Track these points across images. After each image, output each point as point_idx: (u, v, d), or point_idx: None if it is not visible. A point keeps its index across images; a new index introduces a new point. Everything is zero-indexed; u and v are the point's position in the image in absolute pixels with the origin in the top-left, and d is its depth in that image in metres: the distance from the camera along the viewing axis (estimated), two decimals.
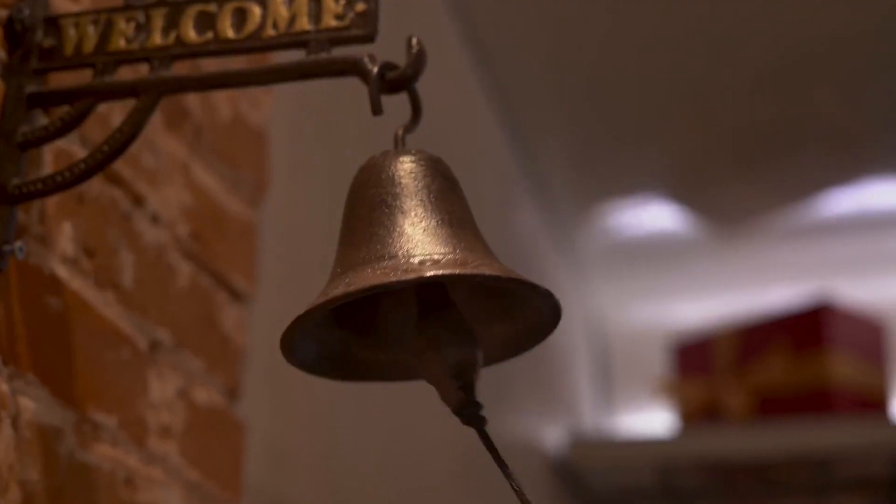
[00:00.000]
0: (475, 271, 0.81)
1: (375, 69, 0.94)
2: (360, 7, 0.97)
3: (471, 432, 2.38)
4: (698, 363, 3.37)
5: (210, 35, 0.99)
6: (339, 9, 0.98)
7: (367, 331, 0.95)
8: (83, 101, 0.99)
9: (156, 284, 1.23)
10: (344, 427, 1.71)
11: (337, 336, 0.94)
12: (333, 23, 0.97)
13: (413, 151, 0.92)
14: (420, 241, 0.84)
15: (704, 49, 2.75)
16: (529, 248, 3.20)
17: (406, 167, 0.90)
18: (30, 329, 1.01)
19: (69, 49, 1.02)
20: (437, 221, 0.86)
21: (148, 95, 0.98)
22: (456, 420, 2.30)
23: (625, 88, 2.89)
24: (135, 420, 1.17)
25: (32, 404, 1.01)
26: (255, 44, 0.99)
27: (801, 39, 2.72)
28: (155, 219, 1.23)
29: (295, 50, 0.98)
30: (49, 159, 1.06)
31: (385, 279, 0.80)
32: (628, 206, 3.39)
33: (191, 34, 1.00)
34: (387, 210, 0.87)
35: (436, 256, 0.82)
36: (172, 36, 1.00)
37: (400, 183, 0.89)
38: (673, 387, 3.39)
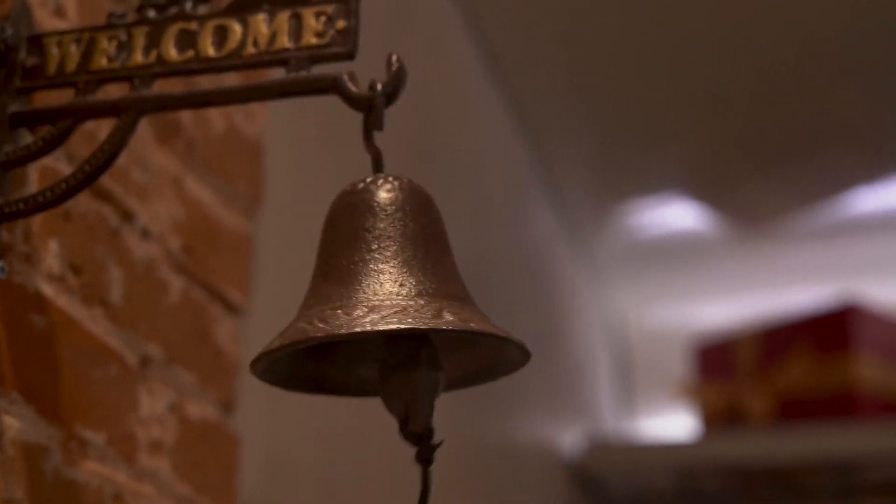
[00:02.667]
0: (437, 325, 0.80)
1: (379, 87, 0.93)
2: (341, 24, 0.97)
3: (476, 442, 2.39)
4: (720, 366, 3.35)
5: (191, 53, 0.99)
6: (320, 26, 0.97)
7: (337, 349, 0.95)
8: (65, 121, 0.99)
9: (146, 299, 1.23)
10: (341, 439, 1.71)
11: (309, 356, 0.93)
12: (314, 40, 0.97)
13: (391, 180, 0.90)
14: (390, 283, 0.83)
15: (724, 47, 2.73)
16: (546, 251, 3.19)
17: (383, 197, 0.89)
18: (14, 348, 1.01)
19: (52, 68, 1.02)
20: (411, 259, 0.85)
21: (129, 114, 0.98)
22: (455, 431, 2.31)
23: (642, 87, 2.88)
24: (124, 436, 1.17)
25: (17, 423, 1.01)
26: (235, 62, 0.99)
27: (823, 37, 2.70)
28: (145, 233, 1.23)
29: (276, 67, 0.98)
30: (35, 178, 1.06)
31: (350, 328, 0.80)
32: (648, 206, 3.37)
33: (172, 52, 1.00)
34: (361, 245, 0.86)
35: (402, 304, 0.81)
36: (154, 54, 1.00)
37: (376, 215, 0.88)
38: (694, 390, 3.37)
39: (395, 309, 0.80)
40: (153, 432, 1.22)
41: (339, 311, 0.82)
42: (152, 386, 1.23)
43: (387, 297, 0.82)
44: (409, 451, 2.09)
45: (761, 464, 3.17)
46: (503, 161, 2.88)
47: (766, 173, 3.21)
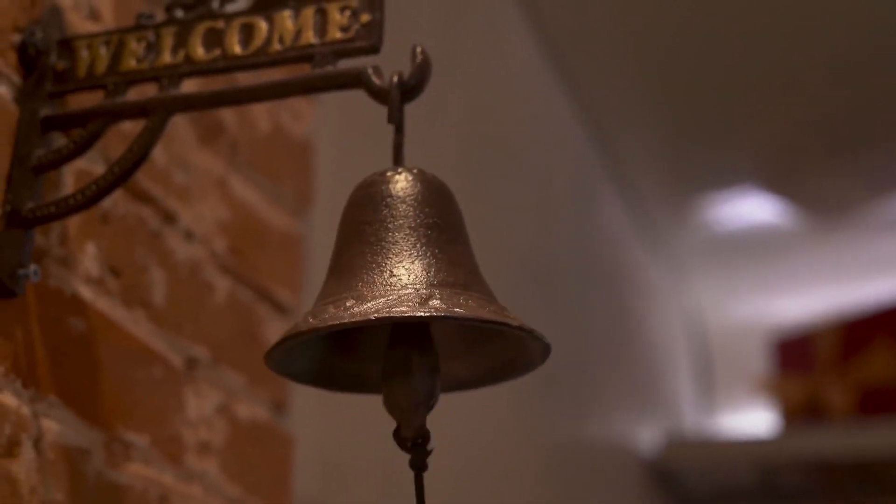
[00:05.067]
0: (446, 313, 0.79)
1: (395, 80, 0.92)
2: (365, 18, 0.96)
3: (553, 440, 2.37)
4: (799, 359, 3.31)
5: (218, 52, 0.99)
6: (345, 21, 0.97)
7: (352, 345, 0.94)
8: (95, 123, 0.99)
9: (190, 301, 1.23)
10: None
11: (324, 349, 0.93)
12: (338, 35, 0.96)
13: (409, 172, 0.89)
14: (385, 275, 0.82)
15: (795, 33, 2.69)
16: (619, 248, 3.17)
17: (400, 189, 0.88)
18: (51, 351, 1.02)
19: (82, 71, 1.02)
20: (411, 249, 0.84)
21: (157, 115, 0.98)
22: (533, 430, 2.30)
23: (712, 77, 2.85)
24: (169, 438, 1.17)
25: (56, 426, 1.01)
26: (261, 59, 0.98)
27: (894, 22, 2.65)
28: (189, 235, 1.23)
29: (302, 63, 0.97)
30: (70, 181, 1.06)
31: (363, 317, 0.78)
32: (723, 200, 3.33)
33: (199, 52, 1.00)
34: (363, 238, 0.85)
35: (394, 294, 0.80)
36: (181, 54, 1.00)
37: (394, 207, 0.86)
38: (773, 384, 3.33)
39: (383, 300, 0.79)
40: (201, 433, 1.22)
41: (330, 306, 0.81)
42: (199, 387, 1.23)
43: (379, 288, 0.81)
44: (470, 449, 2.08)
45: (842, 458, 3.12)
46: (570, 157, 2.86)
47: (843, 162, 3.16)
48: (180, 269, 1.22)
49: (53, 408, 1.02)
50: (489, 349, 0.92)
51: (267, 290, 1.36)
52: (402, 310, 0.78)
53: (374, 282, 0.82)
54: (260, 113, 1.38)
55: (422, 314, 0.78)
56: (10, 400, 0.96)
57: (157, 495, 1.14)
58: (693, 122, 3.02)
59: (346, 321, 0.79)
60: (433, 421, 1.81)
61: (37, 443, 0.99)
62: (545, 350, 0.86)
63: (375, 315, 0.78)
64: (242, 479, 1.28)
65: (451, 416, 1.95)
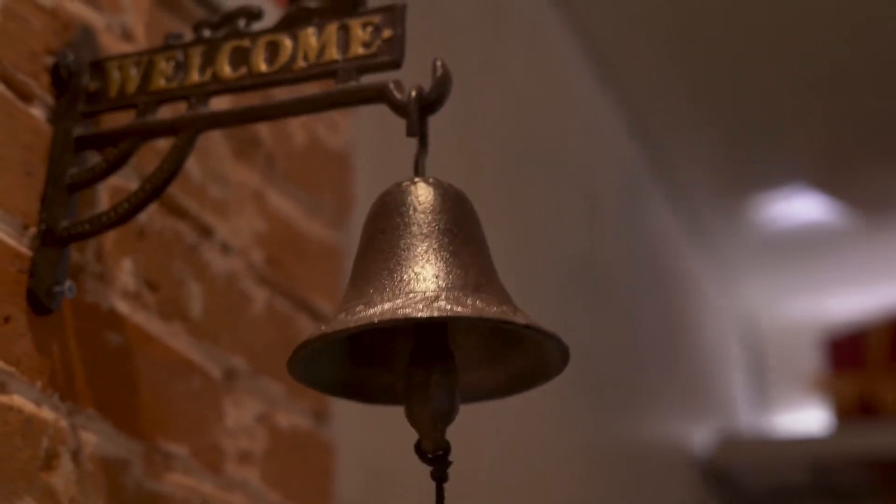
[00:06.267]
0: (449, 313, 0.80)
1: (413, 94, 0.93)
2: (387, 34, 0.98)
3: (606, 441, 2.37)
4: (851, 357, 3.30)
5: (244, 70, 1.01)
6: (367, 36, 0.98)
7: (380, 357, 0.95)
8: (127, 141, 1.02)
9: (228, 313, 1.25)
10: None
11: (349, 360, 0.94)
12: (361, 51, 0.98)
13: (425, 182, 0.90)
14: (413, 277, 0.83)
15: (843, 29, 2.68)
16: (669, 249, 3.17)
17: (414, 199, 0.89)
18: (88, 365, 1.04)
19: (113, 91, 1.04)
20: (438, 254, 0.85)
21: (186, 132, 1.00)
22: (586, 431, 2.30)
23: (760, 76, 2.84)
24: (209, 447, 1.20)
25: (94, 438, 1.04)
26: (286, 76, 1.00)
27: None
28: (225, 248, 1.26)
29: (326, 80, 0.99)
30: (105, 198, 1.09)
31: (368, 320, 0.80)
32: (774, 199, 3.33)
33: (226, 70, 1.02)
34: (376, 247, 0.87)
35: (400, 300, 0.81)
36: (209, 73, 1.02)
37: (407, 215, 0.88)
38: (826, 382, 3.32)
39: (389, 304, 0.81)
40: (241, 442, 1.25)
41: (342, 313, 0.83)
42: (239, 397, 1.25)
43: (388, 293, 0.82)
44: (522, 452, 2.09)
45: None
46: (617, 161, 2.87)
47: (893, 160, 3.14)
48: (217, 281, 1.24)
49: (92, 420, 1.04)
50: (511, 357, 0.93)
51: (305, 300, 1.37)
52: (407, 312, 0.80)
53: (385, 287, 0.83)
54: (295, 126, 1.40)
55: (423, 315, 0.79)
56: (47, 414, 0.98)
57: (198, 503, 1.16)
58: (742, 123, 3.02)
59: (350, 326, 0.80)
60: (485, 426, 1.83)
61: (75, 455, 1.01)
62: (564, 354, 0.86)
63: (378, 318, 0.80)
64: (283, 486, 1.30)
65: (503, 419, 1.96)
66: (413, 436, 1.59)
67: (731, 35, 2.68)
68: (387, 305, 0.81)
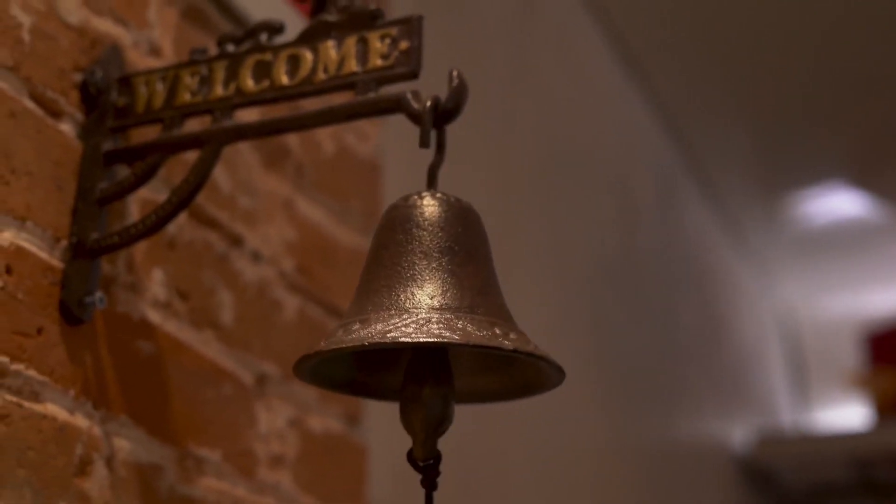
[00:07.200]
0: (437, 338, 0.82)
1: (428, 104, 0.95)
2: (404, 45, 1.00)
3: (644, 440, 2.38)
4: (891, 352, 3.29)
5: (266, 83, 1.04)
6: (385, 48, 1.00)
7: (387, 359, 0.98)
8: (154, 155, 1.05)
9: (259, 320, 1.28)
10: (477, 447, 1.74)
11: (355, 362, 0.97)
12: (379, 62, 1.00)
13: (432, 196, 0.92)
14: (408, 298, 0.85)
15: (880, 30, 2.68)
16: (704, 247, 3.17)
17: (418, 214, 0.90)
18: (120, 374, 1.07)
19: (141, 106, 1.07)
20: (437, 273, 0.87)
21: (211, 145, 1.03)
22: (624, 431, 2.30)
23: (794, 71, 2.83)
24: (241, 452, 1.22)
25: (128, 444, 1.07)
26: (307, 89, 1.02)
27: None
28: (256, 256, 1.28)
29: (345, 91, 1.01)
30: (135, 210, 1.12)
31: (359, 342, 0.82)
32: (811, 196, 3.32)
33: (249, 83, 1.04)
34: (391, 261, 0.88)
35: (415, 317, 0.83)
36: (232, 87, 1.04)
37: (409, 232, 0.89)
38: (866, 378, 3.31)
39: (381, 325, 0.83)
40: (273, 447, 1.27)
41: (341, 329, 0.86)
42: (270, 402, 1.28)
43: (384, 312, 0.85)
44: (561, 453, 2.11)
45: None
46: (650, 159, 2.87)
47: None
48: (248, 289, 1.27)
49: (124, 427, 1.07)
50: (509, 369, 0.95)
51: (337, 307, 1.40)
52: (395, 336, 0.82)
53: (382, 305, 0.86)
54: (324, 135, 1.42)
55: (411, 340, 0.82)
56: (81, 421, 1.01)
57: None
58: (778, 120, 3.02)
59: (343, 346, 0.83)
60: (521, 426, 1.84)
61: (109, 461, 1.04)
62: (558, 371, 0.88)
63: (369, 341, 0.82)
64: (316, 489, 1.33)
65: (540, 420, 1.98)
66: (451, 437, 1.62)
67: (765, 32, 2.68)
68: (379, 327, 0.83)
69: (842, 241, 3.45)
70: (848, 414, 3.54)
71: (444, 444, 1.49)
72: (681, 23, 2.62)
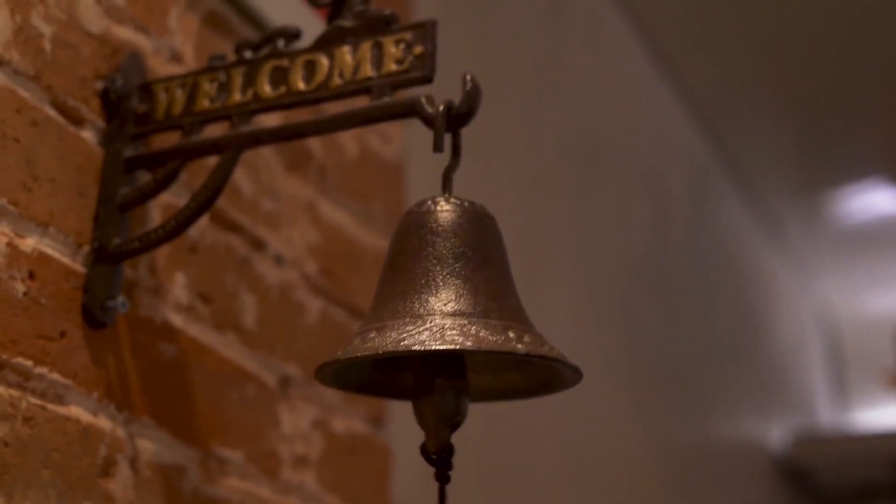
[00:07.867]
0: (450, 345, 0.83)
1: (441, 108, 0.96)
2: (418, 50, 1.01)
3: (680, 440, 2.38)
4: None
5: (283, 89, 1.05)
6: (399, 53, 1.01)
7: (398, 364, 0.99)
8: (173, 161, 1.06)
9: (282, 322, 1.29)
10: (502, 446, 1.74)
11: (374, 365, 0.98)
12: (394, 67, 1.01)
13: (447, 202, 0.93)
14: (422, 305, 0.87)
15: None
16: (741, 245, 3.16)
17: (433, 220, 0.92)
18: (143, 376, 1.09)
19: (161, 112, 1.09)
20: (451, 279, 0.88)
21: (229, 150, 1.04)
22: (660, 430, 2.30)
23: (833, 67, 2.81)
24: (265, 453, 1.24)
25: (151, 445, 1.08)
26: (323, 94, 1.04)
27: None
28: (279, 259, 1.30)
29: (361, 96, 1.03)
30: (157, 215, 1.13)
31: (373, 351, 0.84)
32: (850, 193, 3.31)
33: (266, 89, 1.05)
34: (406, 267, 0.90)
35: (429, 324, 0.84)
36: (250, 92, 1.06)
37: (424, 238, 0.90)
38: None
39: (395, 333, 0.84)
40: (297, 448, 1.29)
41: (358, 336, 0.87)
42: (294, 404, 1.29)
43: (399, 320, 0.86)
44: (597, 453, 2.11)
45: None
46: (684, 157, 2.87)
47: None
48: (271, 292, 1.28)
49: (148, 429, 1.08)
50: (527, 368, 0.96)
51: (360, 309, 1.41)
52: (409, 343, 0.83)
53: (398, 312, 0.87)
54: (347, 138, 1.43)
55: (426, 348, 0.83)
56: (104, 423, 1.03)
57: None
58: (816, 117, 3.00)
59: (359, 355, 0.84)
60: (555, 427, 1.85)
61: (132, 462, 1.06)
62: (575, 372, 0.89)
63: (383, 350, 0.83)
64: (340, 490, 1.34)
65: (574, 421, 1.99)
66: (481, 440, 1.63)
67: (803, 24, 2.66)
68: (394, 335, 0.85)
69: (882, 238, 3.43)
70: (887, 413, 3.52)
71: (474, 441, 1.51)
72: (713, 16, 2.61)
